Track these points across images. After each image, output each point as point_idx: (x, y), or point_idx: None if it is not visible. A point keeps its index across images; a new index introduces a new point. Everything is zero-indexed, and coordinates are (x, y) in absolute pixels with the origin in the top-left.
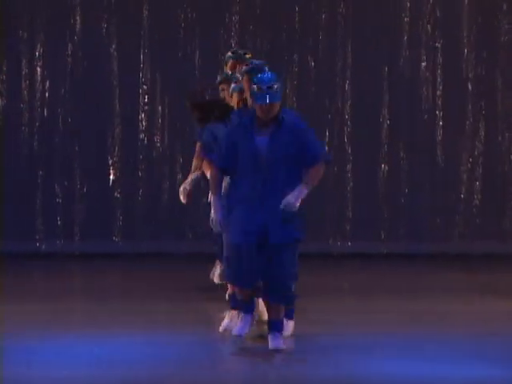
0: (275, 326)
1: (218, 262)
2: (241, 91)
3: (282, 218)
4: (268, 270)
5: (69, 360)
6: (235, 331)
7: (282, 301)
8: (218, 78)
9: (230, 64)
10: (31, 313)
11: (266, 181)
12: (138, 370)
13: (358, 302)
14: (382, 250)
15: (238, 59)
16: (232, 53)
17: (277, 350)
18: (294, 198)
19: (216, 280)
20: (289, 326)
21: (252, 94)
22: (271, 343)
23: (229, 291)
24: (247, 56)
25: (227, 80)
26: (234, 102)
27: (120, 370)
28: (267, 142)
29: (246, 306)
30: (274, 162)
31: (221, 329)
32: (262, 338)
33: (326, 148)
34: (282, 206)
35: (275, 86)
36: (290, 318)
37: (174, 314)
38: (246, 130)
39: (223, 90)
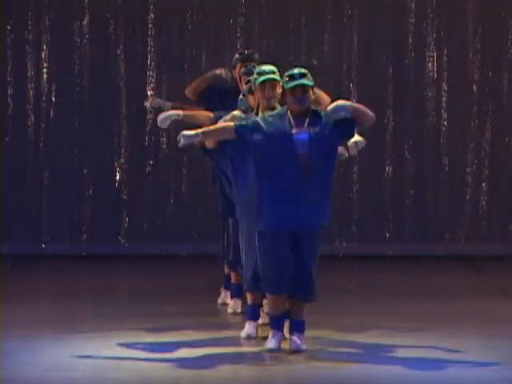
0: (298, 327)
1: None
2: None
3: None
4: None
5: (76, 362)
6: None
7: (309, 297)
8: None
9: (238, 67)
10: (38, 315)
11: (304, 178)
12: (146, 372)
13: (364, 303)
14: (388, 251)
15: (247, 60)
16: (239, 54)
17: (299, 351)
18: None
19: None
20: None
21: (284, 83)
22: (294, 345)
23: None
24: (255, 56)
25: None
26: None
27: (128, 372)
28: (307, 138)
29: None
30: (315, 158)
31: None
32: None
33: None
34: (333, 114)
35: (308, 75)
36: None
37: (181, 316)
38: (282, 124)
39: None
